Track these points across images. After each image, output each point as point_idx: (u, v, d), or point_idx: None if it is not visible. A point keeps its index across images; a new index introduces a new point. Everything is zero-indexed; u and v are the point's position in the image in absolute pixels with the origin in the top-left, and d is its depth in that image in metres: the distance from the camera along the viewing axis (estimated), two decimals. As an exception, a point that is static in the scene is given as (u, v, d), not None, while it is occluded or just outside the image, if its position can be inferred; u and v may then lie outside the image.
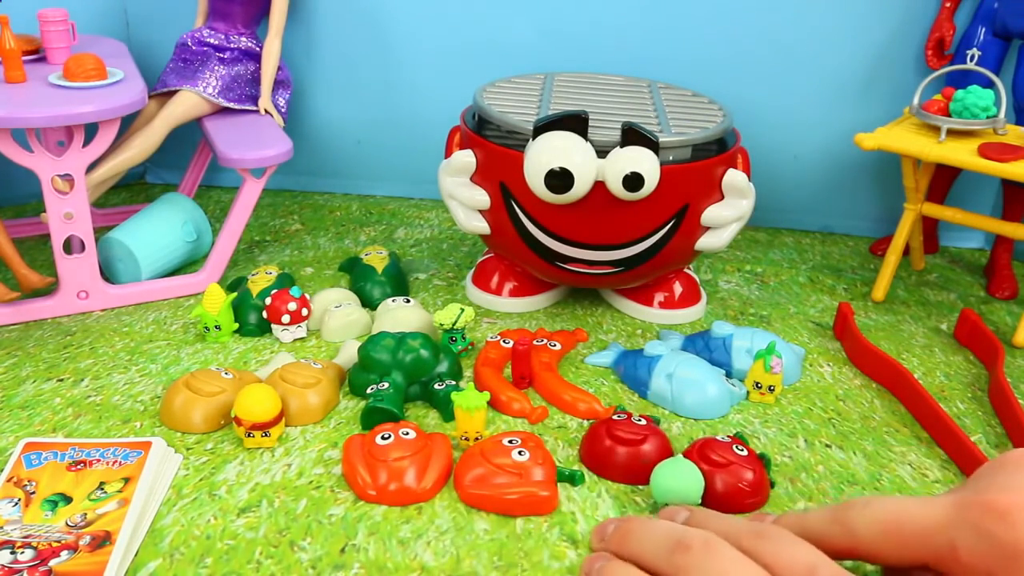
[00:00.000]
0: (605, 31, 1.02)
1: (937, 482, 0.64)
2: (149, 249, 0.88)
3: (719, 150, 0.79)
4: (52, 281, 0.82)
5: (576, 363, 0.77)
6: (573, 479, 0.61)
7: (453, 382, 0.71)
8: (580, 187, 0.72)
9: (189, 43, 0.99)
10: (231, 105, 0.98)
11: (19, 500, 0.57)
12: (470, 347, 0.78)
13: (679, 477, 0.58)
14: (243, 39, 0.99)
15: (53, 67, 0.86)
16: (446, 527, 0.57)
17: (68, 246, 0.81)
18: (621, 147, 0.72)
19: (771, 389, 0.72)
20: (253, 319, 0.80)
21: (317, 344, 0.79)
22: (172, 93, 0.97)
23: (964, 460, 0.65)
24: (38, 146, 0.77)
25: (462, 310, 0.76)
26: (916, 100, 0.87)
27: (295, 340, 0.80)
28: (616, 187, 0.72)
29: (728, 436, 0.63)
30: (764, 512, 0.57)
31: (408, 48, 1.06)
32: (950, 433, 0.67)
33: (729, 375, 0.75)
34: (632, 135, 0.71)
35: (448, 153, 0.83)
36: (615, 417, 0.65)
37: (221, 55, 0.98)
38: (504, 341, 0.76)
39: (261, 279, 0.84)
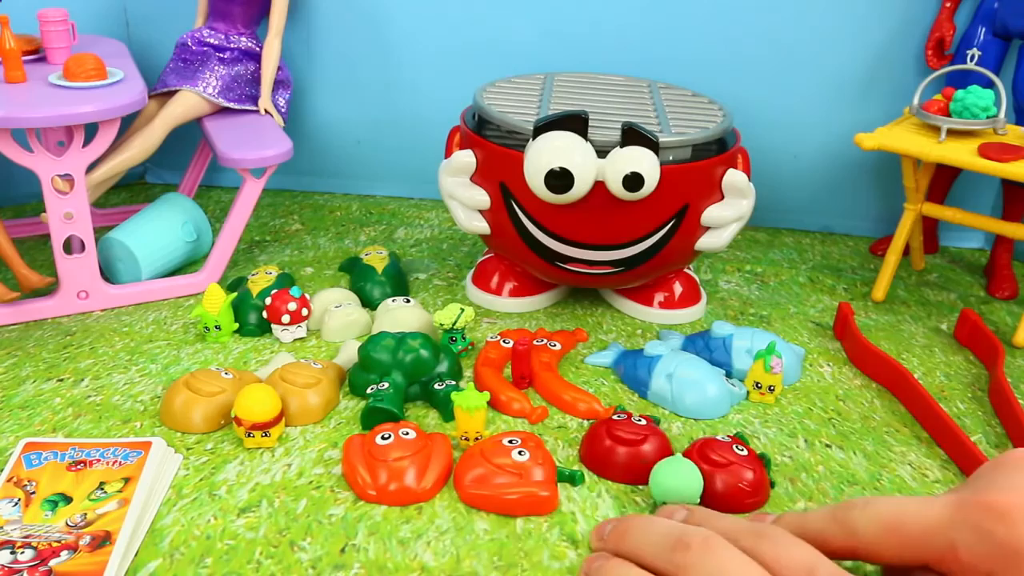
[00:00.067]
0: (605, 31, 1.02)
1: (937, 482, 0.64)
2: (149, 249, 0.88)
3: (719, 150, 0.79)
4: (52, 281, 0.82)
5: (576, 363, 0.77)
6: (573, 479, 0.61)
7: (453, 382, 0.71)
8: (580, 187, 0.72)
9: (189, 43, 0.99)
10: (231, 105, 0.98)
11: (19, 500, 0.57)
12: (470, 347, 0.78)
13: (678, 476, 0.58)
14: (243, 39, 0.99)
15: (53, 67, 0.86)
16: (446, 527, 0.57)
17: (68, 246, 0.81)
18: (621, 147, 0.72)
19: (771, 389, 0.72)
20: (253, 319, 0.80)
21: (317, 344, 0.79)
22: (172, 93, 0.97)
23: (964, 460, 0.65)
24: (38, 146, 0.77)
25: (462, 310, 0.76)
26: (916, 100, 0.87)
27: (295, 340, 0.80)
28: (616, 187, 0.72)
29: (728, 436, 0.63)
30: (764, 512, 0.57)
31: (408, 48, 1.06)
32: (950, 433, 0.67)
33: (729, 375, 0.75)
34: (632, 135, 0.71)
35: (448, 153, 0.83)
36: (615, 417, 0.65)
37: (221, 55, 0.98)
38: (504, 341, 0.76)
39: (261, 279, 0.84)
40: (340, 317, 0.80)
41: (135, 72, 0.87)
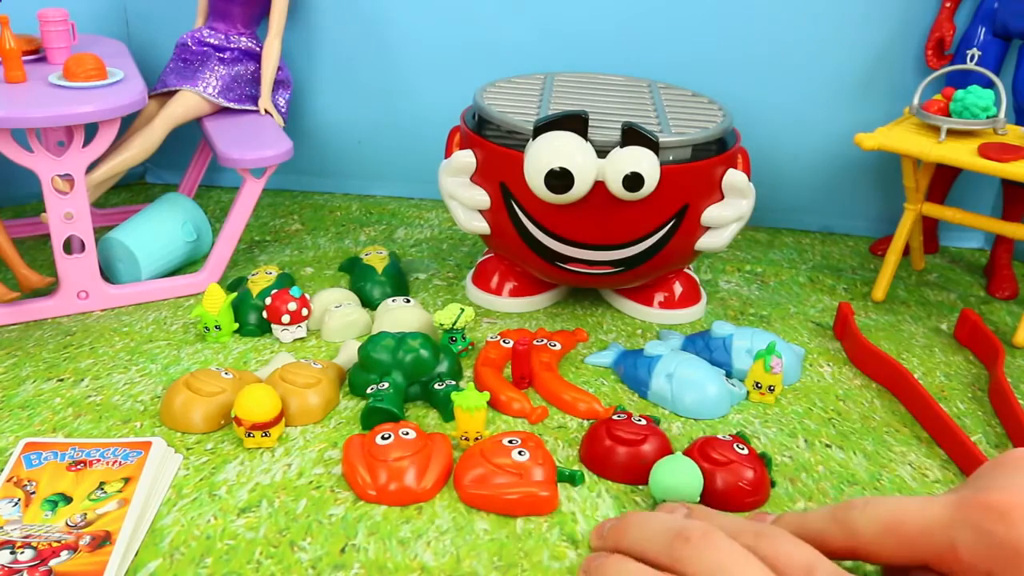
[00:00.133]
0: (605, 31, 1.02)
1: (937, 482, 0.64)
2: (149, 249, 0.88)
3: (719, 150, 0.79)
4: (52, 281, 0.82)
5: (576, 363, 0.77)
6: (573, 479, 0.61)
7: (453, 382, 0.71)
8: (580, 187, 0.72)
9: (189, 43, 0.99)
10: (231, 105, 0.98)
11: (19, 500, 0.57)
12: (470, 347, 0.78)
13: (678, 474, 0.58)
14: (243, 39, 0.99)
15: (53, 67, 0.86)
16: (446, 527, 0.57)
17: (68, 246, 0.81)
18: (621, 147, 0.72)
19: (771, 389, 0.72)
20: (253, 319, 0.80)
21: (317, 344, 0.79)
22: (172, 93, 0.97)
23: (964, 460, 0.65)
24: (38, 146, 0.77)
25: (462, 310, 0.76)
26: (916, 100, 0.87)
27: (295, 340, 0.80)
28: (616, 187, 0.72)
29: (729, 435, 0.63)
30: (764, 512, 0.57)
31: (408, 48, 1.06)
32: (950, 433, 0.67)
33: (729, 375, 0.75)
34: (632, 135, 0.71)
35: (448, 153, 0.83)
36: (615, 417, 0.65)
37: (221, 55, 0.98)
38: (504, 341, 0.76)
39: (261, 279, 0.84)
40: (340, 317, 0.80)
41: (135, 72, 0.87)
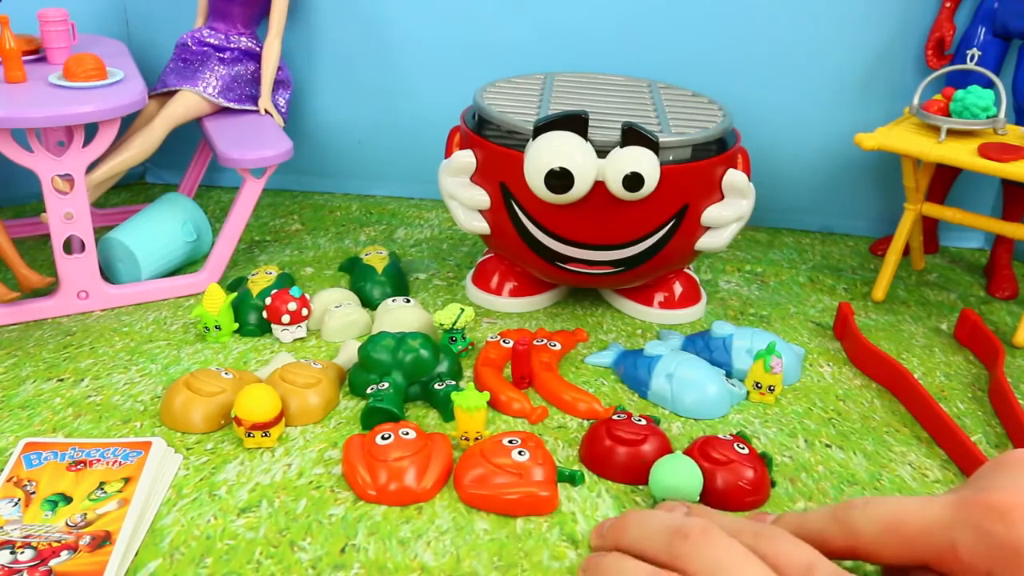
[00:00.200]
0: (605, 31, 1.02)
1: (937, 482, 0.64)
2: (149, 249, 0.88)
3: (719, 150, 0.79)
4: (52, 281, 0.82)
5: (576, 363, 0.77)
6: (573, 479, 0.61)
7: (453, 382, 0.71)
8: (580, 187, 0.72)
9: (189, 43, 0.99)
10: (231, 105, 0.98)
11: (19, 500, 0.57)
12: (470, 347, 0.78)
13: (678, 474, 0.58)
14: (243, 39, 0.99)
15: (53, 67, 0.86)
16: (446, 527, 0.57)
17: (68, 246, 0.81)
18: (621, 147, 0.72)
19: (771, 389, 0.72)
20: (253, 319, 0.80)
21: (317, 344, 0.79)
22: (172, 93, 0.97)
23: (964, 460, 0.65)
24: (38, 146, 0.77)
25: (462, 310, 0.76)
26: (916, 100, 0.87)
27: (295, 340, 0.80)
28: (616, 187, 0.72)
29: (730, 435, 0.63)
30: (764, 512, 0.57)
31: (408, 48, 1.06)
32: (950, 433, 0.67)
33: (729, 375, 0.75)
34: (632, 135, 0.71)
35: (448, 153, 0.83)
36: (615, 417, 0.65)
37: (221, 55, 0.98)
38: (504, 341, 0.76)
39: (261, 279, 0.84)
40: (340, 317, 0.80)
41: (135, 72, 0.87)
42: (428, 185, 1.07)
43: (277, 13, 0.98)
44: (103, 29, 1.06)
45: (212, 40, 0.99)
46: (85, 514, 0.56)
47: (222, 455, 0.63)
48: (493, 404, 0.70)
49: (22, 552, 0.52)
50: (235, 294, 0.81)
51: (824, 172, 1.06)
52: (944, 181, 1.00)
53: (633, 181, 0.71)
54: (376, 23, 1.05)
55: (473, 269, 0.90)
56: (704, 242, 0.79)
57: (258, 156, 0.87)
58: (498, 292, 0.87)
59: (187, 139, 1.04)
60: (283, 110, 1.02)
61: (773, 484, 0.62)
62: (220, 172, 1.14)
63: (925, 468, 0.65)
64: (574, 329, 0.82)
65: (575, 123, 0.72)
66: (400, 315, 0.79)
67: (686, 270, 0.87)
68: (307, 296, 0.80)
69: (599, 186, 0.73)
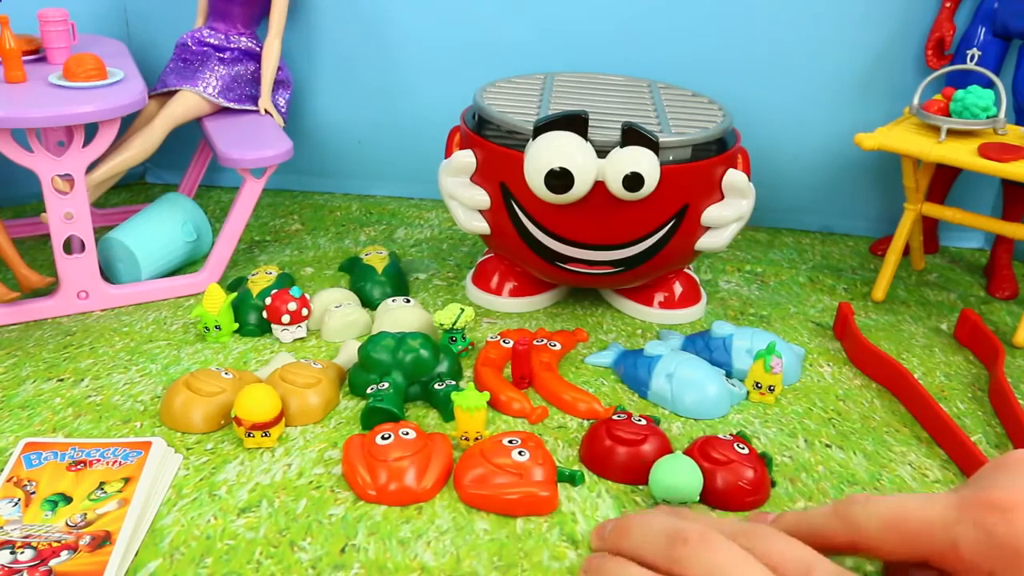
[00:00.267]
0: (605, 31, 1.02)
1: (937, 482, 0.64)
2: (149, 249, 0.88)
3: (719, 150, 0.79)
4: (52, 281, 0.82)
5: (576, 363, 0.77)
6: (573, 479, 0.61)
7: (453, 382, 0.71)
8: (580, 187, 0.72)
9: (189, 43, 0.99)
10: (231, 105, 0.98)
11: (19, 500, 0.57)
12: (470, 347, 0.78)
13: (678, 474, 0.58)
14: (243, 39, 0.99)
15: (53, 67, 0.86)
16: (446, 527, 0.57)
17: (68, 246, 0.81)
18: (621, 147, 0.72)
19: (771, 389, 0.72)
20: (253, 319, 0.80)
21: (317, 344, 0.79)
22: (172, 93, 0.97)
23: (964, 460, 0.65)
24: (38, 146, 0.77)
25: (462, 310, 0.76)
26: (916, 100, 0.87)
27: (295, 340, 0.80)
28: (616, 187, 0.72)
29: (730, 435, 0.63)
30: (764, 511, 0.57)
31: (408, 48, 1.06)
32: (950, 433, 0.67)
33: (729, 375, 0.75)
34: (632, 135, 0.71)
35: (448, 153, 0.83)
36: (615, 417, 0.65)
37: (221, 55, 0.98)
38: (504, 341, 0.76)
39: (261, 279, 0.84)
40: (340, 317, 0.80)
41: (135, 72, 0.87)
42: (428, 185, 1.07)
43: (277, 13, 0.98)
44: (103, 29, 1.06)
45: (212, 40, 0.99)
46: (85, 514, 0.56)
47: (222, 455, 0.63)
48: (493, 404, 0.70)
49: (22, 552, 0.52)
50: (235, 294, 0.81)
51: (824, 172, 1.06)
52: (944, 181, 1.00)
53: (633, 181, 0.71)
54: (376, 23, 1.05)
55: (473, 269, 0.90)
56: (704, 242, 0.79)
57: (258, 156, 0.87)
58: (498, 292, 0.87)
59: (187, 139, 1.04)
60: (283, 110, 1.02)
61: (773, 484, 0.62)
62: (220, 172, 1.14)
63: (925, 468, 0.65)
64: (574, 329, 0.82)
65: (575, 123, 0.72)
66: (400, 315, 0.79)
67: (686, 270, 0.87)
68: (307, 296, 0.80)
69: (599, 186, 0.73)
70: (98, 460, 0.61)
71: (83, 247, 0.81)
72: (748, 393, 0.73)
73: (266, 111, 0.99)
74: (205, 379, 0.67)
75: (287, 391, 0.67)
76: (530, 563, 0.54)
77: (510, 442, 0.61)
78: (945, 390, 0.76)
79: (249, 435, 0.64)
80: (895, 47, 0.99)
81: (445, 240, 1.03)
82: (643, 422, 0.64)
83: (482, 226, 0.81)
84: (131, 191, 1.14)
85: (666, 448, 0.63)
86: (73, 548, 0.53)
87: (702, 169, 0.76)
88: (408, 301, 0.81)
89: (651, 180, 0.72)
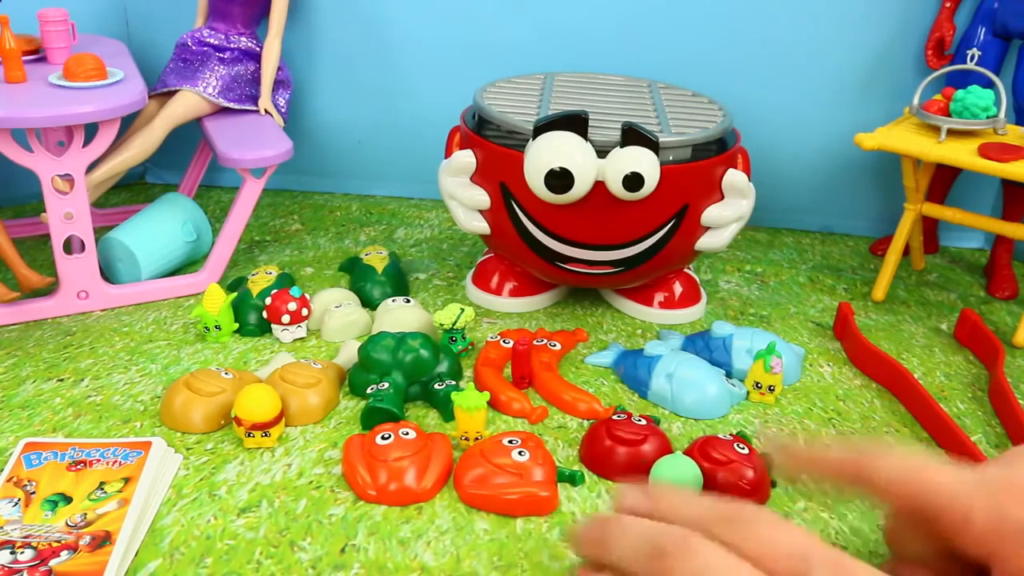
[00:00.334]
0: (605, 31, 1.02)
1: (937, 482, 0.64)
2: (149, 249, 0.88)
3: (719, 150, 0.79)
4: (52, 281, 0.82)
5: (576, 363, 0.77)
6: (573, 479, 0.61)
7: (453, 382, 0.71)
8: (580, 187, 0.72)
9: (189, 43, 0.99)
10: (231, 105, 0.98)
11: (19, 500, 0.57)
12: (470, 347, 0.78)
13: (678, 474, 0.58)
14: (243, 39, 0.99)
15: (53, 67, 0.86)
16: (446, 527, 0.57)
17: (68, 246, 0.81)
18: (621, 147, 0.72)
19: (771, 389, 0.72)
20: (253, 319, 0.80)
21: (317, 344, 0.79)
22: (172, 93, 0.97)
23: (964, 460, 0.65)
24: (38, 146, 0.77)
25: (462, 310, 0.76)
26: (916, 100, 0.87)
27: (295, 340, 0.80)
28: (616, 187, 0.72)
29: (730, 435, 0.63)
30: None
31: (408, 48, 1.06)
32: (950, 433, 0.67)
33: (729, 375, 0.75)
34: (632, 135, 0.71)
35: (448, 153, 0.83)
36: (615, 417, 0.65)
37: (221, 55, 0.98)
38: (504, 341, 0.76)
39: (261, 279, 0.84)
40: (340, 317, 0.80)
41: (135, 72, 0.87)
42: (428, 185, 1.07)
43: (277, 13, 0.98)
44: (103, 29, 1.06)
45: (212, 40, 0.99)
46: (85, 514, 0.56)
47: (222, 455, 0.63)
48: (493, 404, 0.70)
49: (22, 552, 0.52)
50: (235, 294, 0.81)
51: (824, 172, 1.06)
52: (944, 181, 1.00)
53: (633, 181, 0.71)
54: (376, 23, 1.05)
55: (473, 269, 0.90)
56: (704, 242, 0.79)
57: (258, 156, 0.87)
58: (498, 292, 0.87)
59: (187, 139, 1.04)
60: (283, 110, 1.02)
61: (773, 484, 0.62)
62: (220, 172, 1.14)
63: (925, 468, 0.65)
64: (574, 329, 0.82)
65: (575, 123, 0.72)
66: (400, 315, 0.79)
67: (686, 270, 0.88)
68: (307, 296, 0.80)
69: (599, 186, 0.73)
70: (98, 460, 0.61)
71: (83, 247, 0.81)
72: (748, 393, 0.73)
73: (266, 111, 0.99)
74: (205, 379, 0.68)
75: (287, 391, 0.67)
76: (530, 563, 0.54)
77: (510, 442, 0.61)
78: (945, 390, 0.76)
79: (249, 435, 0.64)
80: (895, 47, 0.99)
81: (445, 240, 1.03)
82: (643, 422, 0.64)
83: (482, 226, 0.81)
84: (131, 191, 1.14)
85: (666, 448, 0.63)
86: (73, 548, 0.53)
87: (702, 169, 0.76)
88: (408, 301, 0.81)
89: (651, 180, 0.72)
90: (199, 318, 0.79)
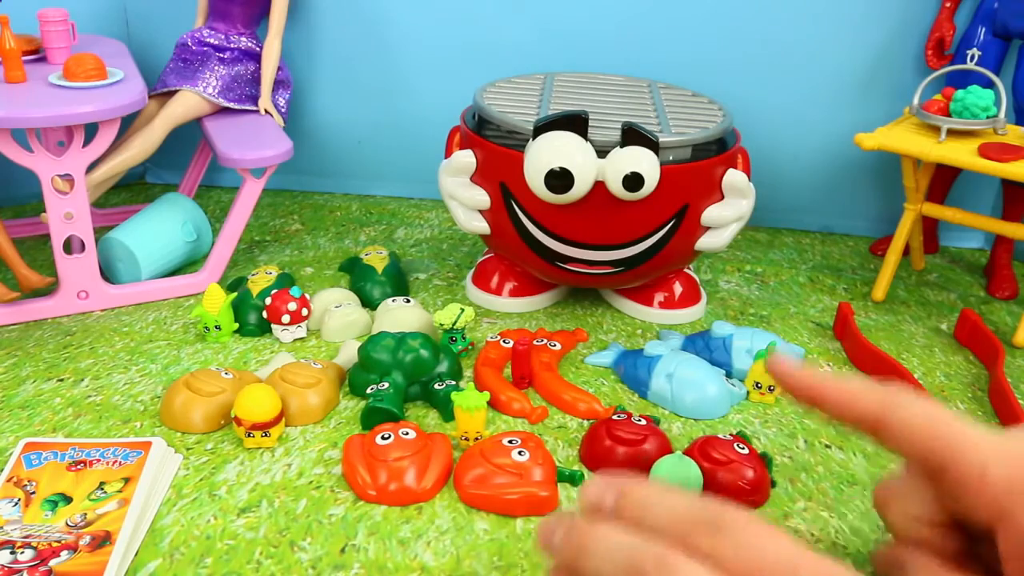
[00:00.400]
0: (605, 31, 1.02)
1: (937, 482, 0.64)
2: (149, 249, 0.88)
3: (719, 150, 0.79)
4: (52, 281, 0.82)
5: (576, 363, 0.77)
6: (573, 479, 0.61)
7: (453, 382, 0.71)
8: (580, 187, 0.72)
9: (189, 43, 0.99)
10: (231, 105, 0.98)
11: (19, 500, 0.57)
12: (470, 347, 0.78)
13: (678, 474, 0.58)
14: (243, 39, 0.99)
15: (53, 67, 0.86)
16: (446, 527, 0.57)
17: (68, 246, 0.81)
18: (621, 147, 0.72)
19: (771, 389, 0.72)
20: (253, 319, 0.80)
21: (317, 344, 0.79)
22: (172, 93, 0.97)
23: (964, 460, 0.65)
24: (38, 146, 0.77)
25: (462, 310, 0.76)
26: (916, 100, 0.87)
27: (295, 340, 0.80)
28: (616, 187, 0.72)
29: (730, 435, 0.63)
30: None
31: (408, 48, 1.06)
32: (950, 433, 0.67)
33: (729, 375, 0.75)
34: (632, 135, 0.71)
35: (448, 153, 0.83)
36: (615, 417, 0.65)
37: (221, 55, 0.98)
38: (504, 341, 0.76)
39: (261, 279, 0.84)
40: (340, 317, 0.80)
41: (135, 72, 0.87)
42: (428, 185, 1.07)
43: (277, 13, 0.98)
44: (103, 29, 1.06)
45: (212, 40, 0.99)
46: (85, 514, 0.56)
47: (222, 455, 0.63)
48: (493, 404, 0.70)
49: (22, 552, 0.52)
50: (235, 294, 0.81)
51: (824, 172, 1.06)
52: (944, 181, 1.00)
53: (633, 181, 0.71)
54: (376, 23, 1.05)
55: (473, 269, 0.90)
56: (704, 242, 0.79)
57: (258, 156, 0.87)
58: (498, 292, 0.87)
59: (187, 139, 1.04)
60: (283, 110, 1.02)
61: (773, 484, 0.62)
62: (220, 172, 1.14)
63: (925, 468, 0.65)
64: (574, 329, 0.82)
65: (575, 123, 0.72)
66: (400, 315, 0.79)
67: (686, 270, 0.87)
68: (307, 296, 0.80)
69: (599, 186, 0.73)
70: (98, 460, 0.61)
71: (83, 247, 0.81)
72: (748, 393, 0.73)
73: (266, 111, 0.99)
74: (205, 379, 0.68)
75: (287, 391, 0.67)
76: (530, 563, 0.54)
77: (510, 442, 0.61)
78: (945, 390, 0.76)
79: (249, 435, 0.64)
80: (895, 47, 0.99)
81: (445, 240, 1.03)
82: (643, 422, 0.64)
83: (482, 226, 0.81)
84: (131, 191, 1.14)
85: (666, 448, 0.63)
86: (73, 548, 0.53)
87: (702, 169, 0.76)
88: (408, 301, 0.81)
89: (651, 180, 0.72)
90: (199, 318, 0.79)
